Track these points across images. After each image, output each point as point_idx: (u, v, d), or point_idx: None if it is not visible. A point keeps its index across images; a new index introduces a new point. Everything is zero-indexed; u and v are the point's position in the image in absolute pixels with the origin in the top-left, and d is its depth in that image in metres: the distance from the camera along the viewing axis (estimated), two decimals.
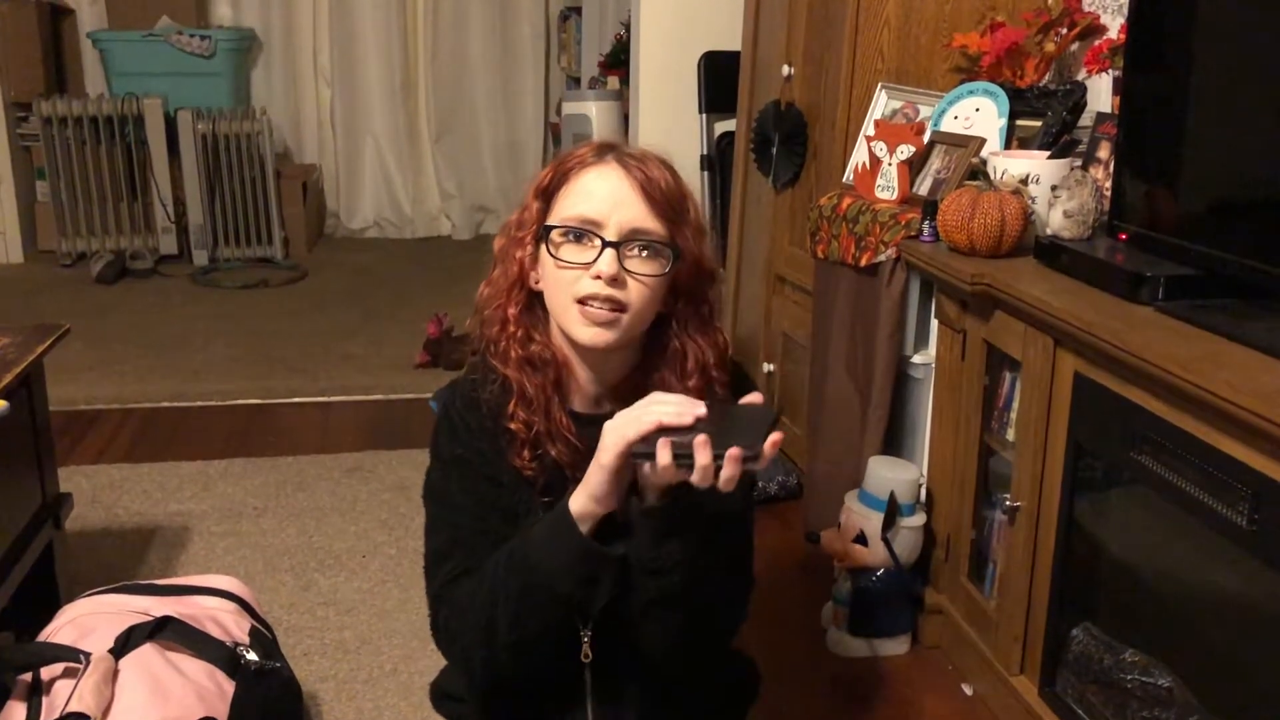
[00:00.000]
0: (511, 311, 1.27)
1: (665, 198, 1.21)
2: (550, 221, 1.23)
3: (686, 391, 1.23)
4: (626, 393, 1.26)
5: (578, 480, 1.23)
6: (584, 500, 1.14)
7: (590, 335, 1.21)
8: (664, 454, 1.06)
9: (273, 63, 5.68)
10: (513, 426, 1.25)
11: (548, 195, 1.25)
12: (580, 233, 1.20)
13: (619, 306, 1.19)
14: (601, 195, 1.21)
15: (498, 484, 1.27)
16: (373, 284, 4.93)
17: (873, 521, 2.10)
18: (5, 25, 4.91)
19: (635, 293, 1.20)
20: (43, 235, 5.19)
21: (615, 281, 1.18)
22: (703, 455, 1.05)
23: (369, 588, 2.34)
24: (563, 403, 1.27)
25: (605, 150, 1.24)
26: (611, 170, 1.22)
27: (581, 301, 1.20)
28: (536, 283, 1.27)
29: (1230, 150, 1.63)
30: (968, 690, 2.05)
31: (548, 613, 1.18)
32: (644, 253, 1.20)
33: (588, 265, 1.19)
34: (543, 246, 1.23)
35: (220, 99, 5.16)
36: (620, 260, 1.19)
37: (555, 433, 1.25)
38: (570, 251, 1.21)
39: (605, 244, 1.19)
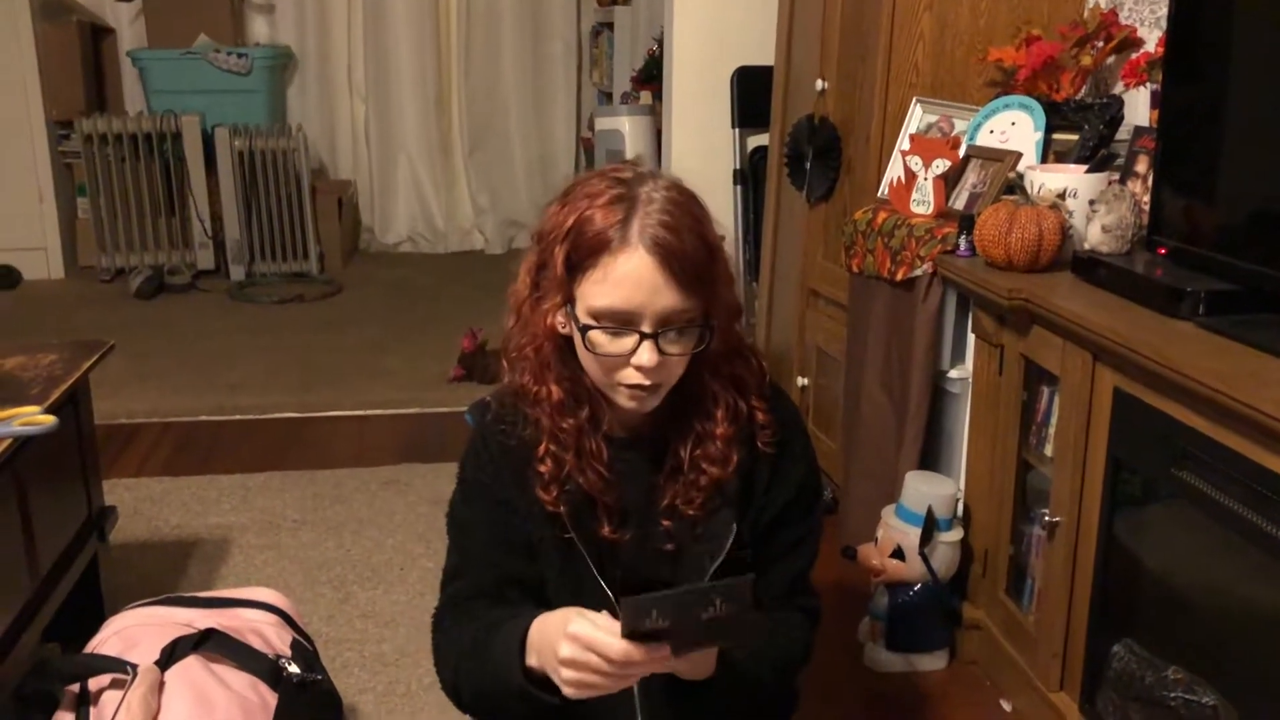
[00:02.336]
0: (546, 370, 1.26)
1: (696, 273, 1.17)
2: (580, 304, 1.19)
3: (713, 427, 1.26)
4: (663, 416, 1.27)
5: (606, 506, 1.26)
6: (538, 662, 1.16)
7: (634, 406, 1.23)
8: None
9: (308, 80, 5.74)
10: (541, 470, 1.25)
11: (570, 267, 1.20)
12: (617, 329, 1.18)
13: (658, 383, 1.21)
14: (632, 288, 1.16)
15: (514, 514, 1.28)
16: (407, 298, 4.97)
17: (910, 536, 2.10)
18: (48, 45, 4.99)
19: (671, 368, 1.21)
20: (83, 251, 5.26)
21: (655, 369, 1.19)
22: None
23: (407, 600, 2.36)
24: (595, 431, 1.28)
25: (628, 222, 1.16)
26: (639, 257, 1.15)
27: (624, 385, 1.21)
28: (564, 327, 1.24)
29: (1271, 163, 1.62)
30: (1006, 706, 2.04)
31: (507, 710, 1.23)
32: (680, 333, 1.19)
33: (626, 357, 1.18)
34: (574, 327, 1.21)
35: (257, 116, 5.22)
36: (659, 348, 1.18)
37: (586, 464, 1.26)
38: (607, 342, 1.19)
39: (643, 336, 1.17)
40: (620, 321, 1.17)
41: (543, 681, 1.16)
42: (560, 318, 1.23)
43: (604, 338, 1.19)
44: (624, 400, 1.22)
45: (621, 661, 1.05)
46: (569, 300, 1.21)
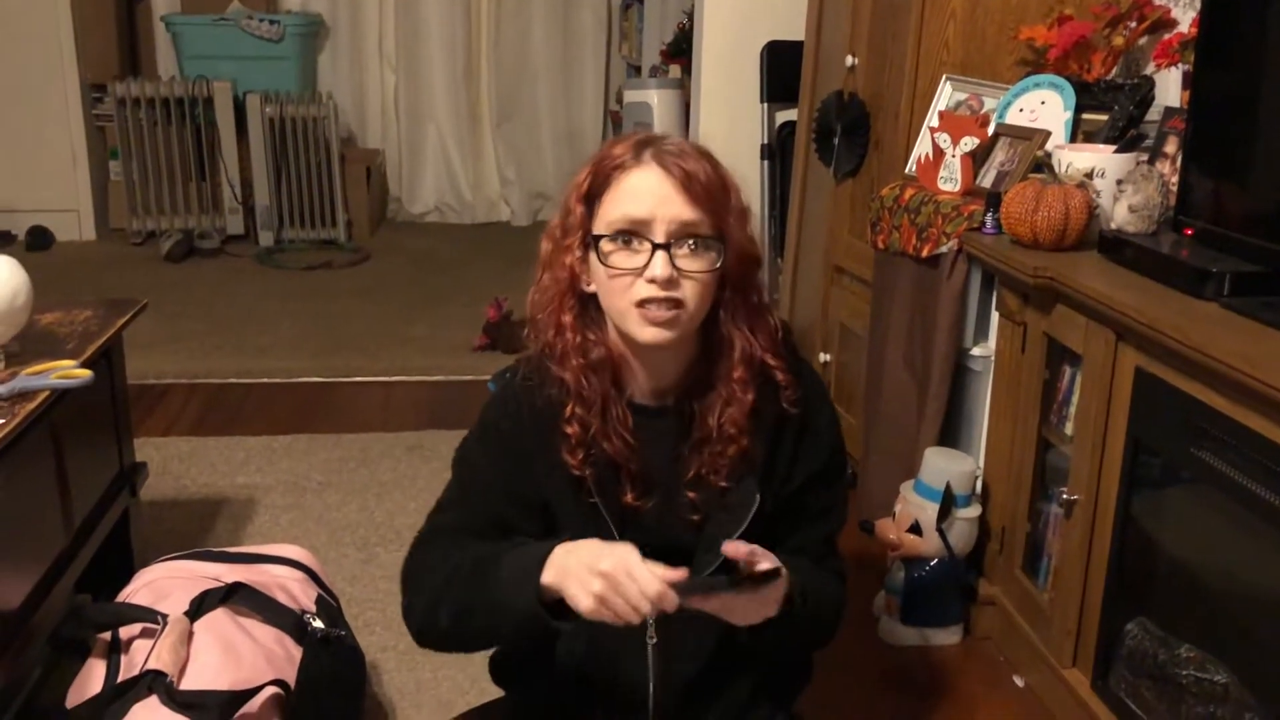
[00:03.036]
0: (567, 319, 1.27)
1: (706, 189, 1.21)
2: (596, 229, 1.23)
3: (732, 382, 1.27)
4: (688, 384, 1.29)
5: (630, 473, 1.28)
6: (555, 580, 1.17)
7: (652, 335, 1.22)
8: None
9: (339, 48, 5.76)
10: (568, 431, 1.26)
11: (589, 199, 1.25)
12: (629, 236, 1.21)
13: (676, 304, 1.21)
14: (644, 196, 1.20)
15: (529, 470, 1.30)
16: (433, 267, 5.00)
17: (928, 512, 2.11)
18: (83, 9, 5.03)
19: (689, 289, 1.22)
20: (115, 214, 5.32)
21: (670, 282, 1.20)
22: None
23: None
24: (620, 396, 1.29)
25: (642, 148, 1.23)
26: (651, 170, 1.21)
27: (640, 304, 1.21)
28: (588, 285, 1.27)
29: None
30: (1019, 682, 2.06)
31: (486, 635, 1.29)
32: (693, 249, 1.21)
33: (640, 270, 1.20)
34: (593, 253, 1.24)
35: (288, 83, 5.25)
36: (671, 260, 1.20)
37: (612, 429, 1.27)
38: (621, 258, 1.21)
39: (655, 246, 1.19)
40: (632, 229, 1.20)
41: (549, 607, 1.18)
42: (579, 255, 1.26)
43: (617, 250, 1.21)
44: (643, 330, 1.22)
45: (654, 599, 1.10)
46: (587, 233, 1.24)
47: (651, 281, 1.19)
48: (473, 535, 1.31)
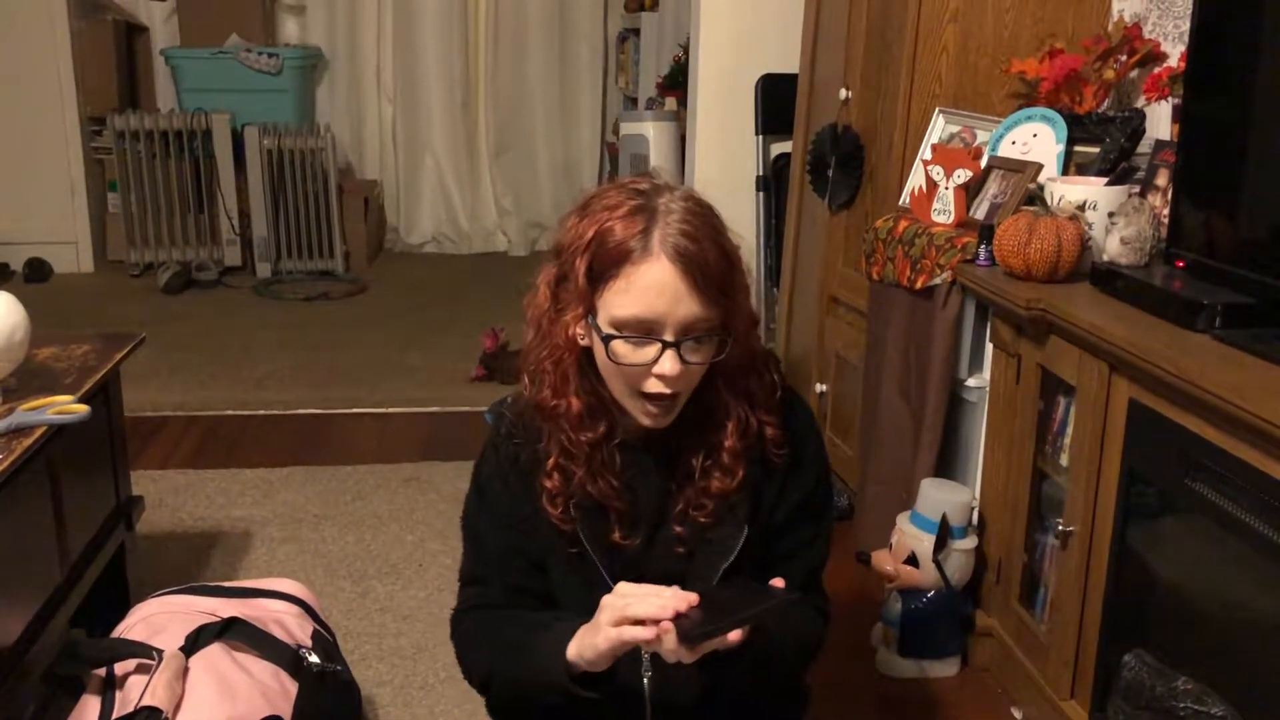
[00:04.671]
0: (566, 373, 1.27)
1: (716, 281, 1.20)
2: (602, 314, 1.21)
3: (723, 451, 1.28)
4: (678, 423, 1.28)
5: (618, 511, 1.29)
6: (578, 654, 1.20)
7: (652, 421, 1.25)
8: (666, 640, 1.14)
9: (337, 80, 5.80)
10: (548, 485, 1.28)
11: (592, 278, 1.22)
12: (640, 338, 1.20)
13: (676, 394, 1.23)
14: (654, 296, 1.18)
15: (525, 529, 1.32)
16: (430, 298, 5.01)
17: (924, 543, 2.11)
18: (82, 42, 5.08)
19: (691, 377, 1.23)
20: (113, 246, 5.34)
21: (677, 377, 1.21)
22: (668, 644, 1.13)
23: (425, 596, 2.39)
24: (608, 441, 1.29)
25: (649, 229, 1.18)
26: (662, 266, 1.17)
27: (644, 395, 1.22)
28: (583, 339, 1.26)
29: None
30: (1017, 714, 2.05)
31: (541, 700, 1.28)
32: (700, 342, 1.21)
33: (648, 365, 1.20)
34: (596, 335, 1.23)
35: (286, 115, 5.28)
36: (680, 356, 1.20)
37: (598, 475, 1.28)
38: (628, 351, 1.20)
39: (665, 345, 1.19)
40: (643, 330, 1.19)
41: (579, 680, 1.22)
42: (581, 329, 1.24)
43: (627, 348, 1.20)
44: (643, 417, 1.24)
45: (669, 601, 1.14)
46: (590, 311, 1.22)
47: (660, 377, 1.20)
48: (498, 608, 1.36)
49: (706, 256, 1.18)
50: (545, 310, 1.28)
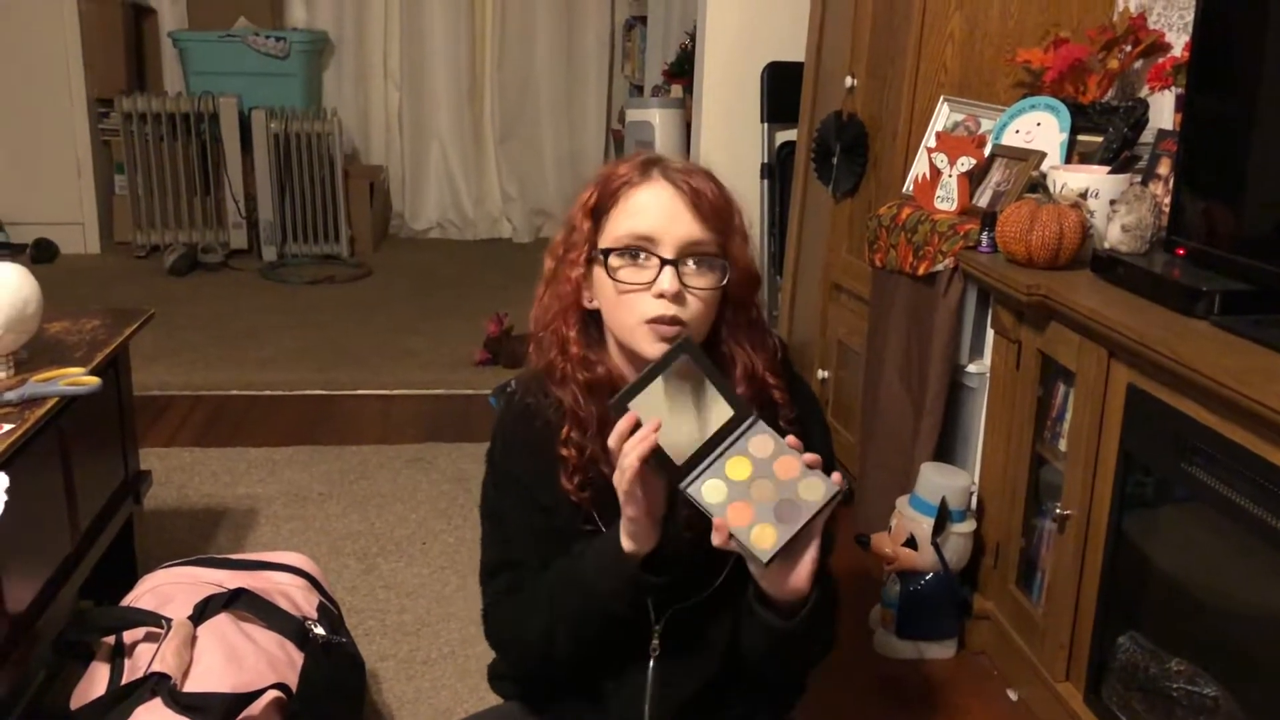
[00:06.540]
0: (571, 334, 1.28)
1: (714, 209, 1.24)
2: (604, 242, 1.24)
3: None
4: None
5: None
6: (626, 542, 1.21)
7: (659, 350, 1.22)
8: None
9: (344, 65, 5.82)
10: (564, 453, 1.28)
11: (596, 215, 1.26)
12: (637, 251, 1.22)
13: (680, 323, 1.22)
14: (653, 212, 1.22)
15: (546, 508, 1.31)
16: (435, 283, 5.03)
17: (923, 526, 2.13)
18: (90, 24, 5.09)
19: (693, 306, 1.23)
20: (119, 227, 5.36)
21: (677, 297, 1.21)
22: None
23: (428, 573, 2.42)
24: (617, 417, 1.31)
25: (649, 166, 1.25)
26: (660, 186, 1.23)
27: (648, 321, 1.23)
28: (591, 301, 1.28)
29: None
30: (1012, 696, 2.07)
31: (605, 630, 1.26)
32: (699, 266, 1.23)
33: (648, 285, 1.22)
34: (598, 268, 1.25)
35: (293, 99, 5.30)
36: (679, 276, 1.21)
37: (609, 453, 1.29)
38: (629, 273, 1.22)
39: (663, 262, 1.21)
40: (640, 244, 1.22)
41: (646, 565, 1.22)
42: (584, 270, 1.27)
43: (624, 266, 1.22)
44: (651, 346, 1.22)
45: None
46: (592, 249, 1.26)
47: (660, 296, 1.21)
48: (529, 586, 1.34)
49: (704, 187, 1.24)
50: (552, 269, 1.31)
